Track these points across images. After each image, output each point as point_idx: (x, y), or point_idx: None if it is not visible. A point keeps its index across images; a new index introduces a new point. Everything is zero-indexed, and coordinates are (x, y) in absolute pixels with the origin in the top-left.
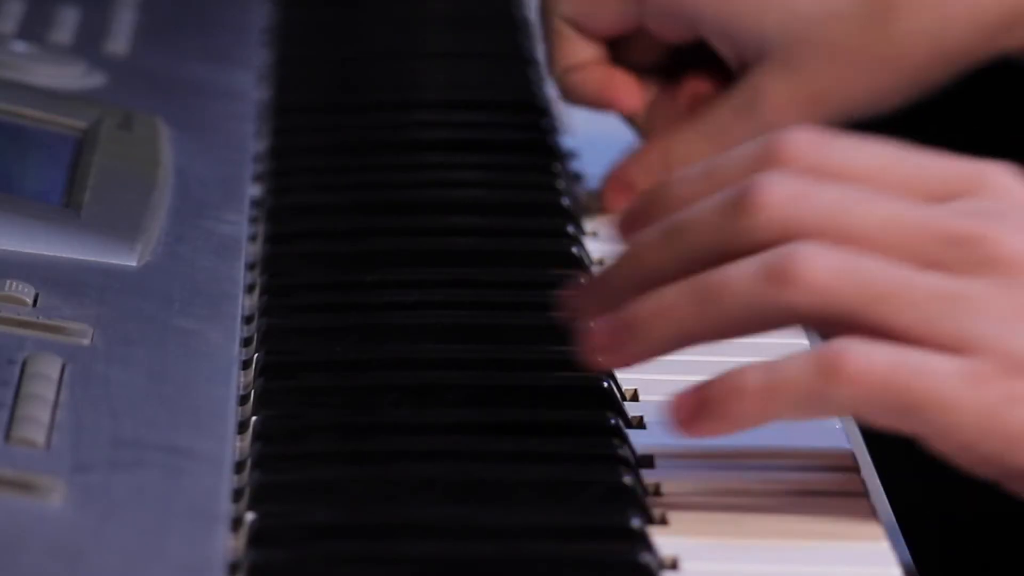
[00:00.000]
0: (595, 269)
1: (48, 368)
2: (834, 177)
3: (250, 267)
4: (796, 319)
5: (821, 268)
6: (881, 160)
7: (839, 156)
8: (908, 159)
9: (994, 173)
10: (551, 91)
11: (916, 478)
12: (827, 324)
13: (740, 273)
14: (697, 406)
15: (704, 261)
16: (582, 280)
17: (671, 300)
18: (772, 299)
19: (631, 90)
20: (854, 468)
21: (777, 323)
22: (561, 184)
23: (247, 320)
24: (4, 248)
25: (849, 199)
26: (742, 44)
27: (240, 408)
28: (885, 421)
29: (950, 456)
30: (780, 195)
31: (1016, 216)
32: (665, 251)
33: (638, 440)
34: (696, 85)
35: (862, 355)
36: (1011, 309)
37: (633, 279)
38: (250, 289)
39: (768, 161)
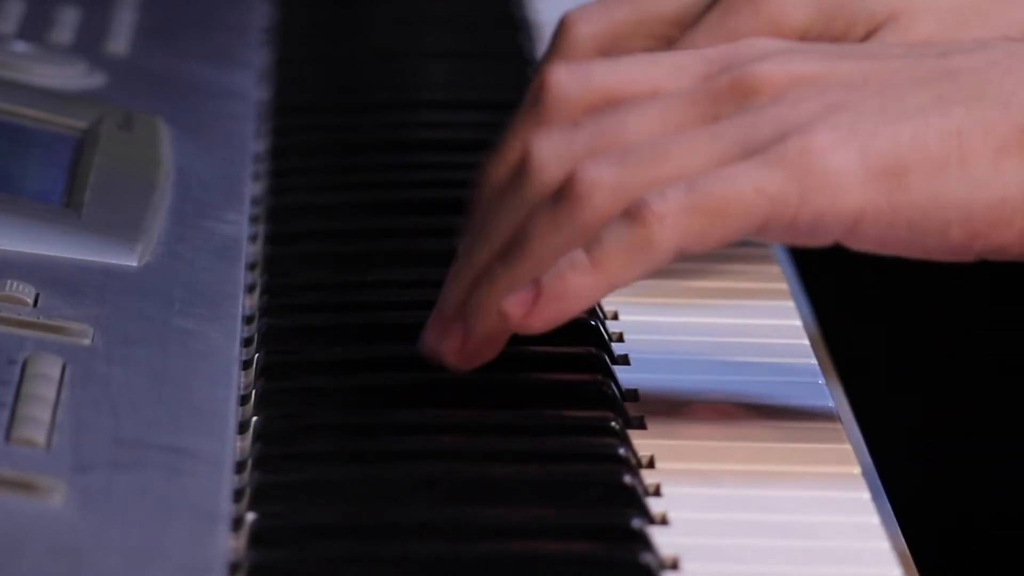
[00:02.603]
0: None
1: (48, 368)
2: (602, 101)
3: (250, 267)
4: (601, 223)
5: (598, 170)
6: (638, 67)
7: (598, 80)
8: (663, 59)
9: (745, 42)
10: None
11: (916, 476)
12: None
13: (534, 215)
14: (534, 296)
15: (509, 232)
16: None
17: (483, 267)
18: (570, 218)
19: None
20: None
21: (587, 235)
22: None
23: (247, 320)
24: (4, 248)
25: (605, 119)
26: (850, 38)
27: (240, 408)
28: (714, 238)
29: (796, 237)
30: (546, 148)
31: (762, 55)
32: (478, 240)
33: (638, 440)
34: None
35: (658, 194)
36: (780, 112)
37: (460, 275)
38: (250, 289)
39: (537, 117)
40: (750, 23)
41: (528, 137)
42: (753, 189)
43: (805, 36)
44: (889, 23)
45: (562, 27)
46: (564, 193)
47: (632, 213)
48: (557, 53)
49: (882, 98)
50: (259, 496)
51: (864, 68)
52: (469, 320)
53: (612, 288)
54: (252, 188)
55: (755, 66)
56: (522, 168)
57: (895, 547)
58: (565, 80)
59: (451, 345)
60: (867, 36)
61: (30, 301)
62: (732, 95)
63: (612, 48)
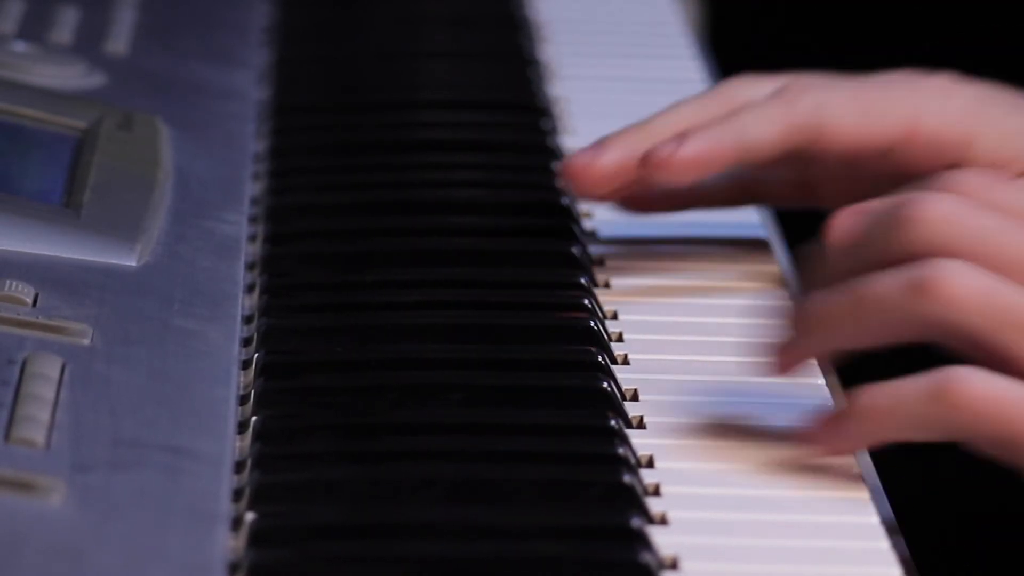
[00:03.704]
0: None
1: (48, 368)
2: (997, 211)
3: (250, 267)
4: (932, 331)
5: (961, 284)
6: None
7: (1004, 196)
8: None
9: None
10: (551, 91)
11: (916, 476)
12: (959, 342)
13: (887, 281)
14: (814, 434)
15: (864, 270)
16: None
17: (828, 307)
18: (911, 308)
19: None
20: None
21: (915, 333)
22: (561, 184)
23: (247, 320)
24: (4, 248)
25: (1005, 227)
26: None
27: (240, 408)
28: (991, 450)
29: None
30: (938, 211)
31: None
32: (833, 268)
33: (638, 440)
34: None
35: (969, 383)
36: None
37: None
38: (250, 289)
39: (938, 190)
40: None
41: (918, 196)
42: None
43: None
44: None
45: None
46: (924, 284)
47: (942, 384)
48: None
49: None
50: (258, 496)
51: None
52: (780, 355)
53: (891, 440)
54: (252, 188)
55: None
56: (905, 209)
57: (895, 547)
58: (974, 187)
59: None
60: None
61: (29, 301)
62: None
63: None
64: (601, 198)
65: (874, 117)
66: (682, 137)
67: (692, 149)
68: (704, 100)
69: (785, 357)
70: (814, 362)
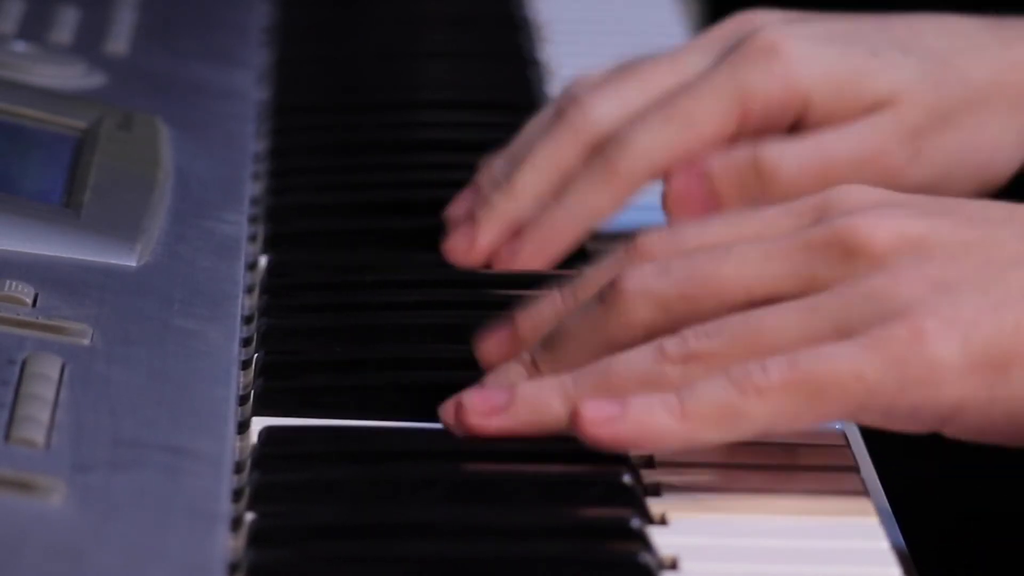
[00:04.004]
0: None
1: (48, 368)
2: (689, 251)
3: (250, 267)
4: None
5: (695, 352)
6: (730, 224)
7: (691, 236)
8: (752, 216)
9: (836, 191)
10: (551, 91)
11: (916, 476)
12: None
13: (631, 358)
14: (616, 418)
15: (588, 360)
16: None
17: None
18: (656, 379)
19: None
20: (854, 468)
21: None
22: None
23: (247, 320)
24: (4, 248)
25: (699, 260)
26: (852, 112)
27: (240, 408)
28: (806, 418)
29: (891, 423)
30: (637, 280)
31: (857, 210)
32: (549, 365)
33: None
34: None
35: (760, 367)
36: (879, 286)
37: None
38: (250, 289)
39: (627, 262)
40: (761, 79)
41: (619, 269)
42: (853, 375)
43: (809, 99)
44: (888, 106)
45: (574, 105)
46: (660, 354)
47: (735, 381)
48: (569, 130)
49: (984, 277)
50: (258, 496)
51: (965, 236)
52: (514, 406)
53: (689, 443)
54: (252, 188)
55: (853, 222)
56: (608, 295)
57: (895, 547)
58: (656, 239)
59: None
60: (867, 112)
61: (29, 301)
62: (829, 251)
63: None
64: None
65: (696, 125)
66: (517, 242)
67: (532, 246)
68: (556, 144)
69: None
70: None
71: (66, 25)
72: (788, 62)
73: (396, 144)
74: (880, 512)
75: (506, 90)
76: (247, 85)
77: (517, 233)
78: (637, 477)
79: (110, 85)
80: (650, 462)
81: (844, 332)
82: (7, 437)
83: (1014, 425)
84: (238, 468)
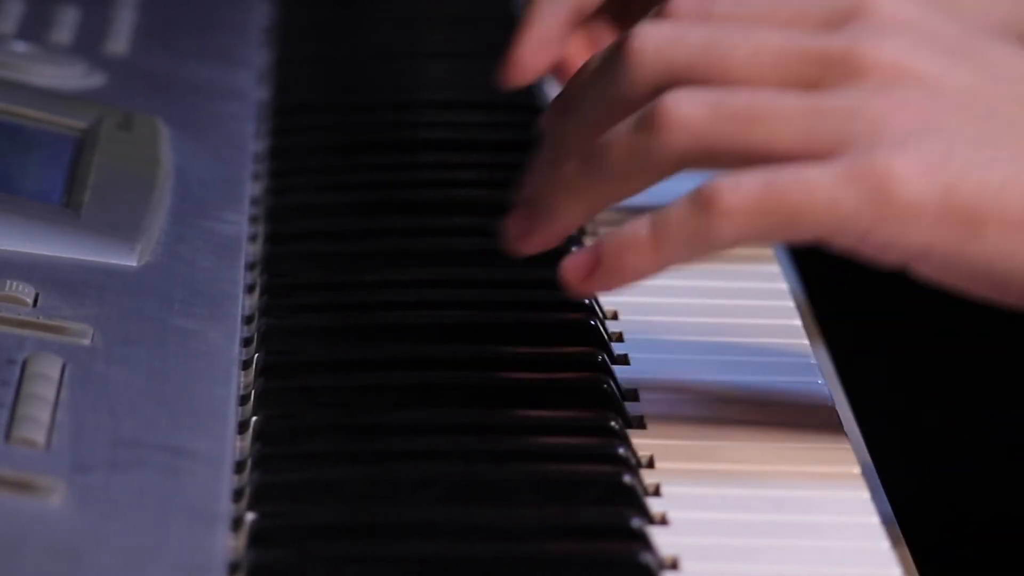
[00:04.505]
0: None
1: (48, 368)
2: (714, 21)
3: (250, 267)
4: (677, 164)
5: (687, 108)
6: (763, 3)
7: (720, 6)
8: (778, 9)
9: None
10: (551, 91)
11: (916, 476)
12: (708, 163)
13: (619, 130)
14: (592, 264)
15: (605, 124)
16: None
17: (565, 171)
18: (648, 148)
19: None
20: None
21: (663, 171)
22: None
23: (247, 320)
24: (4, 248)
25: (717, 36)
26: None
27: (240, 408)
28: (777, 238)
29: (861, 253)
30: (651, 41)
31: (885, 29)
32: (562, 125)
33: (638, 440)
34: None
35: (732, 185)
36: (880, 108)
37: (545, 163)
38: (250, 289)
39: (653, 16)
40: None
41: (629, 33)
42: (827, 203)
43: None
44: None
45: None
46: (649, 120)
47: (703, 200)
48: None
49: (982, 130)
50: (258, 496)
51: (976, 85)
52: (536, 216)
53: (666, 267)
54: (252, 188)
55: (874, 44)
56: (619, 52)
57: (895, 547)
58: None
59: (516, 231)
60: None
61: (30, 301)
62: (843, 66)
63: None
64: None
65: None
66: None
67: (528, 40)
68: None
69: (529, 229)
70: (809, 357)
71: (66, 25)
72: None
73: (396, 144)
74: (881, 514)
75: (506, 90)
76: (247, 85)
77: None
78: (637, 477)
79: (110, 85)
80: (650, 462)
81: (832, 148)
82: (7, 437)
83: (976, 280)
84: (238, 468)
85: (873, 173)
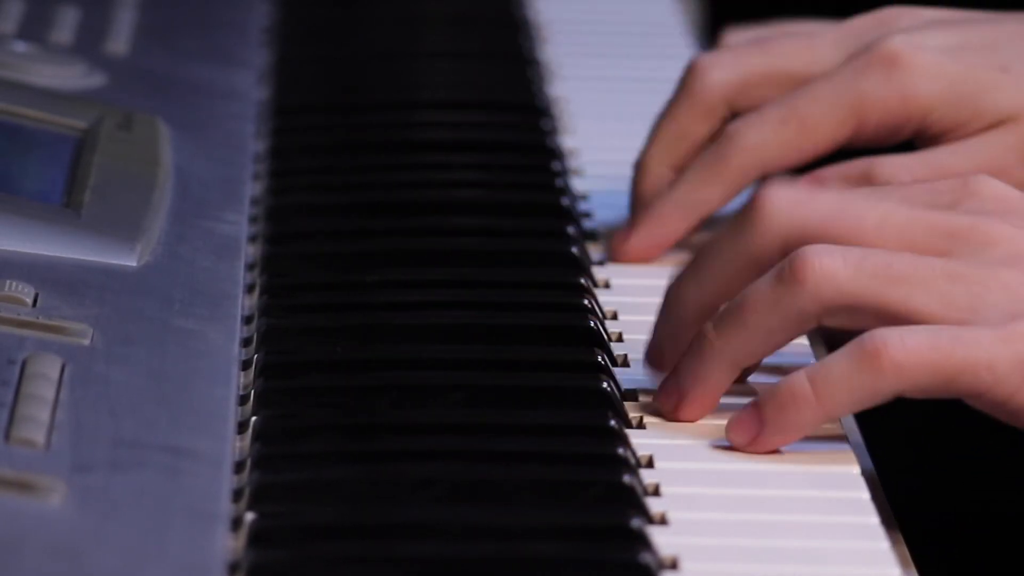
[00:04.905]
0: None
1: (48, 368)
2: (839, 186)
3: (250, 267)
4: (815, 317)
5: (830, 262)
6: (866, 203)
7: (843, 170)
8: (892, 192)
9: (977, 180)
10: (551, 91)
11: (916, 476)
12: (847, 318)
13: (757, 287)
14: (757, 425)
15: (733, 286)
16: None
17: (703, 334)
18: (791, 301)
19: None
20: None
21: (803, 325)
22: (561, 184)
23: (247, 320)
24: (4, 248)
25: (846, 199)
26: (974, 128)
27: (240, 408)
28: (931, 394)
29: (996, 412)
30: (783, 199)
31: (1003, 210)
32: (696, 288)
33: (638, 440)
34: None
35: (899, 340)
36: (1014, 278)
37: (681, 320)
38: (250, 289)
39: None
40: (880, 89)
41: (758, 193)
42: (987, 362)
43: (929, 114)
44: (1010, 122)
45: (693, 71)
46: (790, 273)
47: (868, 354)
48: (687, 97)
49: None
50: (258, 496)
51: None
52: (684, 385)
53: (829, 420)
54: (252, 188)
55: (995, 221)
56: (749, 213)
57: (895, 547)
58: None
59: (668, 404)
60: (987, 128)
61: (29, 301)
62: (971, 237)
63: (741, 96)
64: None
65: (811, 129)
66: (628, 232)
67: (644, 236)
68: (676, 115)
69: (680, 399)
70: (809, 357)
71: (66, 25)
72: (910, 75)
73: (396, 144)
74: (882, 514)
75: (506, 90)
76: (247, 85)
77: (630, 224)
78: (637, 477)
79: (110, 85)
80: (650, 462)
81: (974, 315)
82: (7, 437)
83: None
84: (238, 468)
85: (1022, 336)
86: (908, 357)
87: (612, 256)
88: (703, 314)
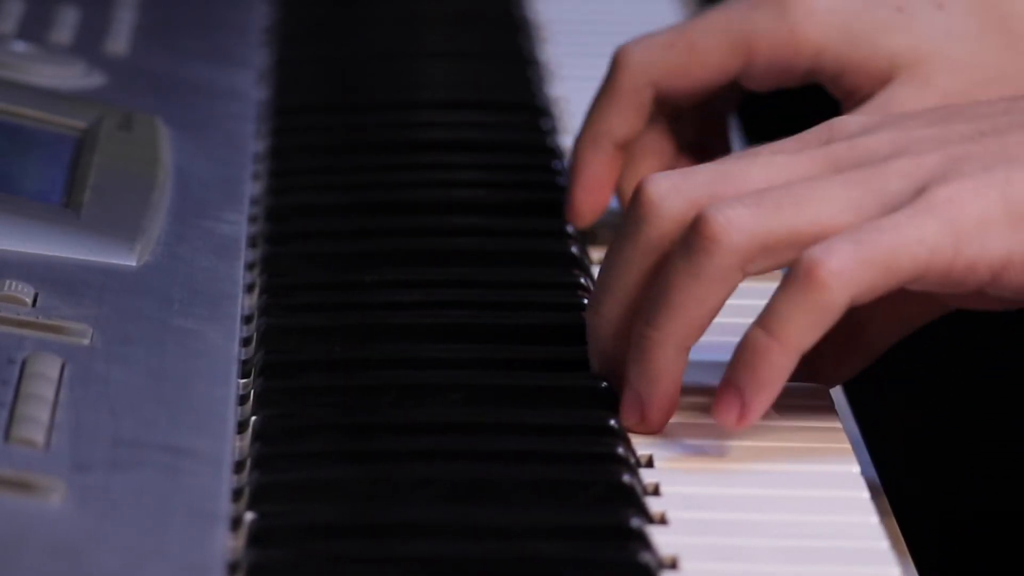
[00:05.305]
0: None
1: (48, 368)
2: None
3: (249, 267)
4: (738, 269)
5: (728, 213)
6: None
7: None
8: (762, 149)
9: (838, 119)
10: (551, 91)
11: (916, 476)
12: (766, 260)
13: (672, 265)
14: (737, 396)
15: (644, 284)
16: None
17: (636, 330)
18: (707, 265)
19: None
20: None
21: (728, 284)
22: (561, 184)
23: (246, 320)
24: (4, 248)
25: (723, 164)
26: (867, 70)
27: (240, 408)
28: (881, 290)
29: (948, 287)
30: (662, 185)
31: (874, 128)
32: (612, 301)
33: (637, 439)
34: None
35: (826, 250)
36: (909, 164)
37: (612, 338)
38: (249, 289)
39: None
40: (770, 22)
41: (638, 187)
42: (915, 239)
43: (821, 51)
44: (908, 69)
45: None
46: (698, 237)
47: (804, 273)
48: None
49: (1003, 146)
50: (258, 496)
51: (979, 125)
52: (640, 390)
53: (800, 355)
54: (252, 188)
55: (869, 136)
56: (636, 209)
57: (895, 547)
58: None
59: (633, 418)
60: (883, 77)
61: (29, 301)
62: (851, 156)
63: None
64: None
65: (699, 53)
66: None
67: (574, 185)
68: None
69: (644, 405)
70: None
71: (66, 25)
72: (802, 10)
73: (396, 144)
74: (881, 513)
75: (506, 90)
76: (247, 85)
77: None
78: (636, 477)
79: (110, 85)
80: (650, 462)
81: (883, 208)
82: (7, 437)
83: None
84: (238, 468)
85: (937, 204)
86: (841, 262)
87: (567, 218)
88: (629, 323)
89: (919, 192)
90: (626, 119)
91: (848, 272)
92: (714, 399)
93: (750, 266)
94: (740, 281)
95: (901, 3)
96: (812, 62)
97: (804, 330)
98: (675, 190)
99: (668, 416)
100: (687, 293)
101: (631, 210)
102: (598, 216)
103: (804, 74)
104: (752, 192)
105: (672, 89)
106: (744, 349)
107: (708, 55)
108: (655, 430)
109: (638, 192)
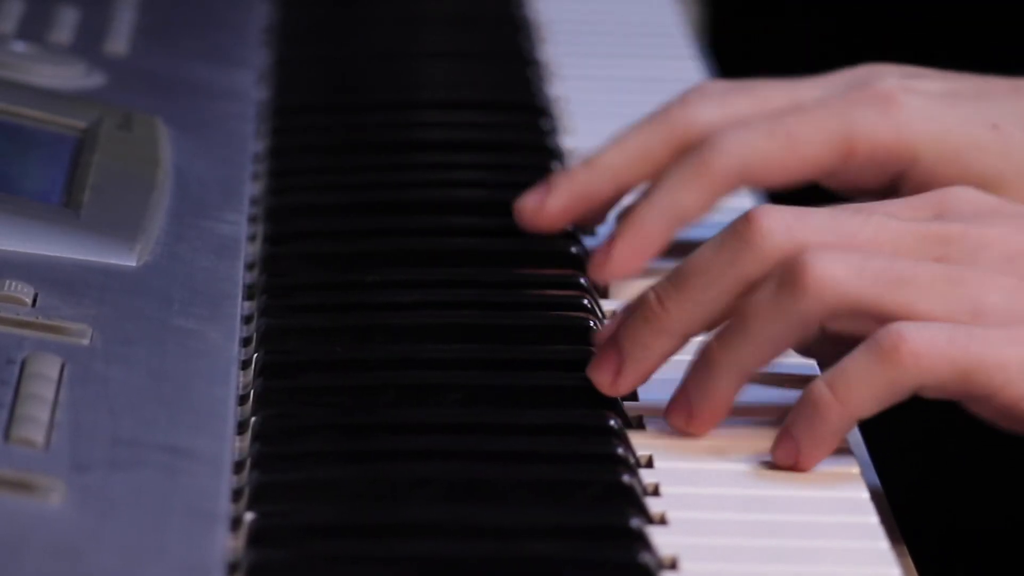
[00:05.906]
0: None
1: (47, 368)
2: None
3: (249, 267)
4: (818, 322)
5: (831, 267)
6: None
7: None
8: (876, 208)
9: (954, 191)
10: (551, 91)
11: (916, 476)
12: (849, 322)
13: (759, 297)
14: (794, 446)
15: (724, 302)
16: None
17: (713, 347)
18: (791, 308)
19: None
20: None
21: (803, 332)
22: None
23: (247, 320)
24: (4, 248)
25: (838, 216)
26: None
27: (240, 408)
28: (947, 392)
29: (1000, 417)
30: (775, 220)
31: (986, 213)
32: (681, 304)
33: (638, 440)
34: None
35: (917, 332)
36: (1011, 283)
37: (664, 331)
38: (249, 289)
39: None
40: (874, 121)
41: (750, 213)
42: (998, 364)
43: (917, 156)
44: (991, 191)
45: (680, 104)
46: (793, 278)
47: (887, 344)
48: (670, 133)
49: None
50: (257, 496)
51: None
52: (692, 400)
53: (855, 421)
54: (251, 188)
55: (983, 226)
56: (743, 231)
57: (894, 547)
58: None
59: (679, 420)
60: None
61: (29, 301)
62: (961, 246)
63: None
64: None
65: (799, 146)
66: (609, 244)
67: (625, 247)
68: (649, 132)
69: (690, 414)
70: (813, 359)
71: (66, 25)
72: (904, 114)
73: (396, 144)
74: (881, 514)
75: (506, 90)
76: (247, 85)
77: (609, 239)
78: (636, 477)
79: (110, 85)
80: (650, 462)
81: (969, 314)
82: (7, 437)
83: None
84: (237, 468)
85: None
86: (928, 348)
87: (592, 274)
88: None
89: (1016, 319)
90: (704, 203)
91: (930, 360)
92: (774, 445)
93: (830, 323)
94: (815, 335)
95: (996, 119)
96: (905, 169)
97: (868, 400)
98: (787, 231)
99: (710, 428)
100: (763, 327)
101: (737, 230)
102: (628, 275)
103: (891, 179)
104: (857, 253)
105: (761, 179)
106: (807, 402)
107: (808, 149)
108: (693, 434)
109: (750, 220)
